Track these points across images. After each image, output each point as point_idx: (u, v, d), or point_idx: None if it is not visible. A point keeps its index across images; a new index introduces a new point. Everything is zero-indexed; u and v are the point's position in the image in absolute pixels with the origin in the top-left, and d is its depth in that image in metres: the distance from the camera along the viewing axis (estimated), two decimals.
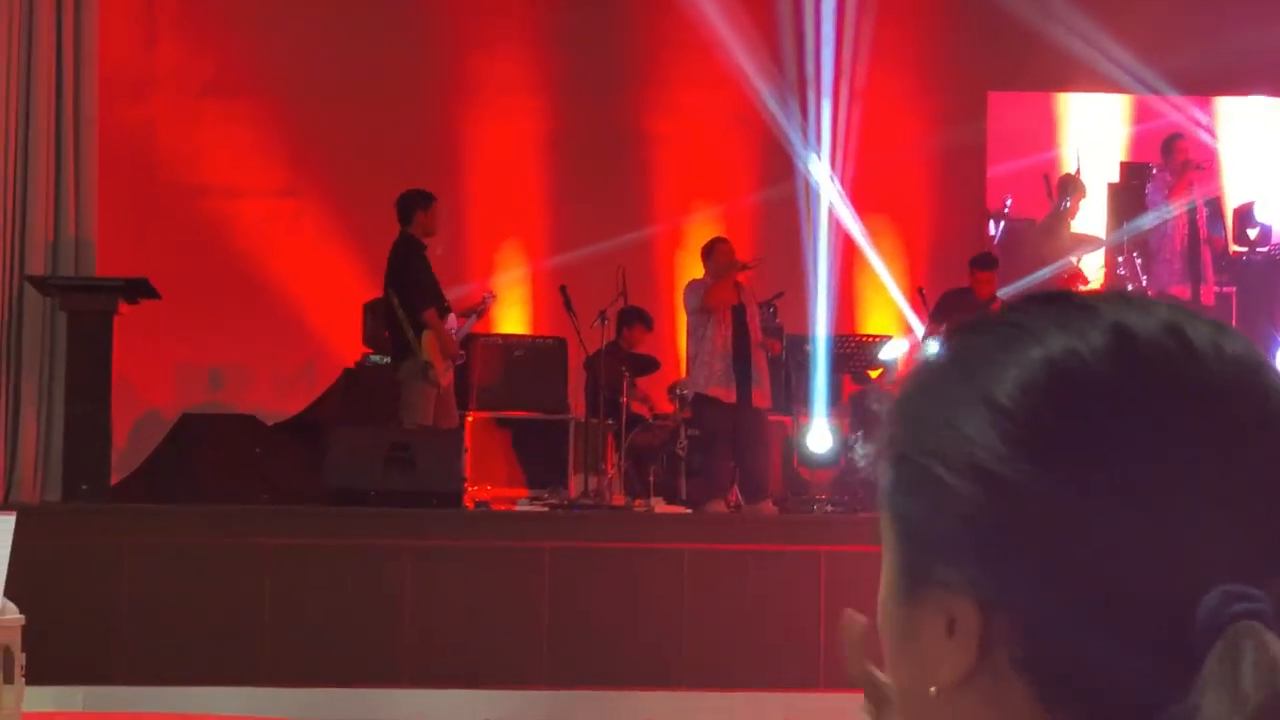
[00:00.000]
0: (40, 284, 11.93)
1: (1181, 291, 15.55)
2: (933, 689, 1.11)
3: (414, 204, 12.78)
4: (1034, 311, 1.12)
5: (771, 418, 13.35)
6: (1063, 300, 1.12)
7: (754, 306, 13.09)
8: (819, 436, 13.52)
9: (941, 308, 13.54)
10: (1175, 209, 15.36)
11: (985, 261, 13.83)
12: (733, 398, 12.65)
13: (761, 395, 12.85)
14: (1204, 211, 15.49)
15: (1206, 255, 15.57)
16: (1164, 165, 15.51)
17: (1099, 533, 1.04)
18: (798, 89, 15.41)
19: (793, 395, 13.99)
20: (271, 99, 15.45)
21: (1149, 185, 15.67)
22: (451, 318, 12.94)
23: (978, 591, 1.08)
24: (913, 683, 1.13)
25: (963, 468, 1.08)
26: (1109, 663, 1.04)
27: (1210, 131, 16.11)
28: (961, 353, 1.13)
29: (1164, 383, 1.07)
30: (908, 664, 1.14)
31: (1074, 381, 1.08)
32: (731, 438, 12.73)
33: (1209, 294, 15.63)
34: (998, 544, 1.07)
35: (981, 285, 13.52)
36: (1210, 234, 15.59)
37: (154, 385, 14.98)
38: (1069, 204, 15.84)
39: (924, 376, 1.16)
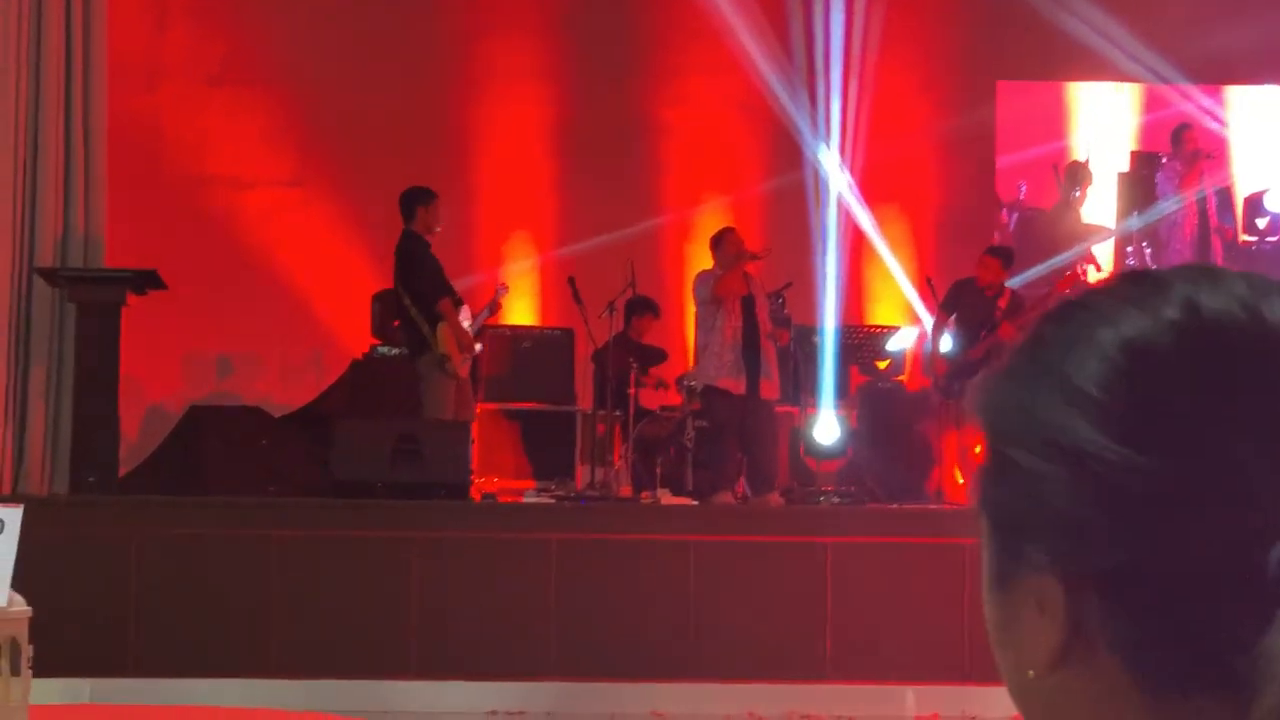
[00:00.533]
0: (49, 275, 11.93)
1: None
2: (1030, 672, 1.14)
3: (415, 201, 12.79)
4: (1109, 292, 1.16)
5: (779, 409, 13.33)
6: (1138, 278, 1.15)
7: (763, 297, 13.05)
8: (826, 427, 13.50)
9: (949, 298, 13.50)
10: (1185, 198, 15.35)
11: (994, 250, 13.76)
12: (742, 389, 12.60)
13: (770, 386, 12.81)
14: (1214, 201, 15.48)
15: (1217, 244, 15.56)
16: (1174, 154, 15.49)
17: (1175, 505, 1.07)
18: (806, 78, 15.40)
19: (800, 386, 13.95)
20: (280, 88, 15.45)
21: (1159, 174, 15.66)
22: (466, 310, 12.94)
23: (1063, 568, 1.11)
24: (1014, 669, 1.16)
25: (1044, 452, 1.11)
26: (1196, 622, 1.07)
27: (1220, 120, 16.07)
28: (1040, 338, 1.16)
29: (1234, 355, 1.09)
30: (1009, 651, 1.17)
31: (1146, 360, 1.11)
32: (740, 429, 12.70)
33: None
34: (1077, 520, 1.10)
35: (985, 271, 13.41)
36: (1220, 223, 15.58)
37: (161, 376, 14.99)
38: (1078, 193, 15.84)
39: (1007, 365, 1.20)
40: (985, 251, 13.69)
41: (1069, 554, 1.11)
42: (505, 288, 13.77)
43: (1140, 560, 1.08)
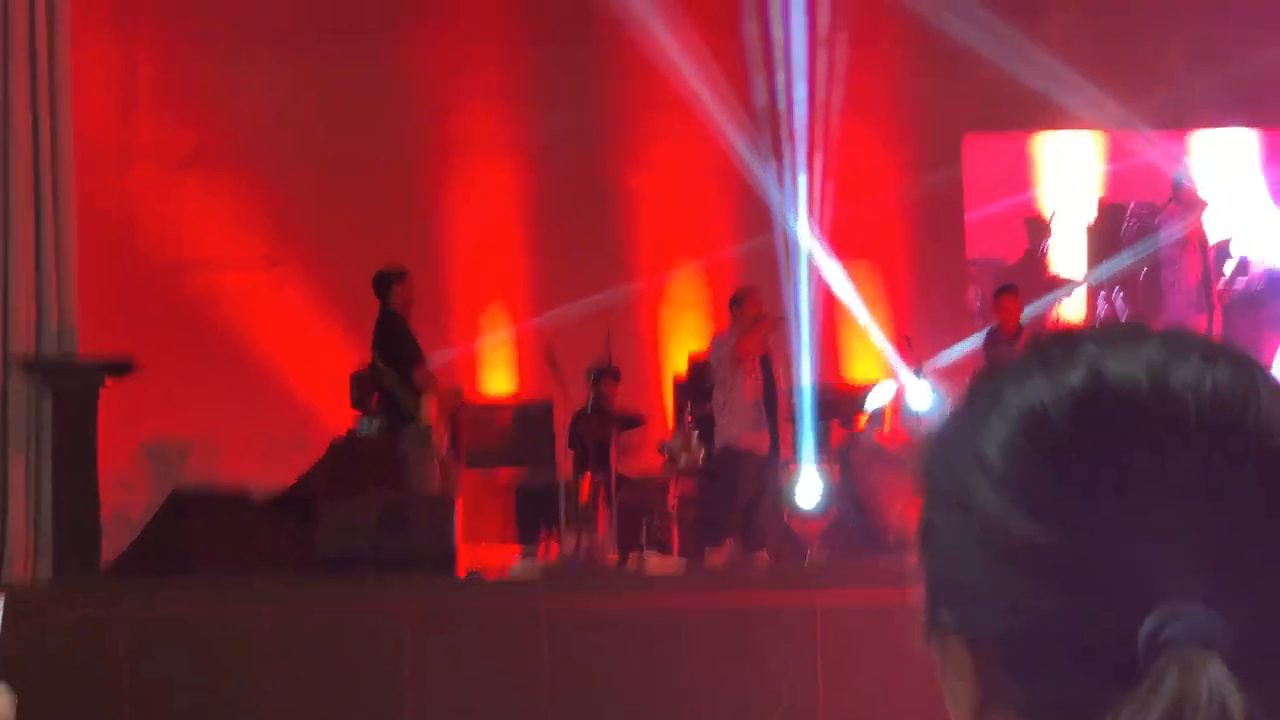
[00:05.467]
0: (25, 366, 11.91)
1: (1199, 323, 15.64)
2: None
3: (388, 281, 12.98)
4: (1027, 354, 1.16)
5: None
6: (1055, 341, 1.16)
7: (779, 357, 13.20)
8: (810, 486, 13.51)
9: (984, 351, 13.65)
10: (1173, 244, 15.47)
11: (1005, 289, 13.85)
12: (765, 446, 12.72)
13: (784, 444, 12.99)
14: (1211, 249, 15.60)
15: (1217, 293, 15.68)
16: (1172, 200, 15.57)
17: (1061, 573, 1.08)
18: (773, 139, 15.46)
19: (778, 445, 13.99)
20: (251, 169, 15.48)
21: (1145, 222, 15.77)
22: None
23: (966, 631, 1.13)
24: None
25: (953, 513, 1.13)
26: (1073, 692, 1.08)
27: (1184, 165, 16.18)
28: (965, 401, 1.18)
29: (1128, 425, 1.09)
30: (949, 703, 1.18)
31: (1043, 427, 1.11)
32: (748, 489, 12.77)
33: (1220, 325, 15.73)
34: (975, 583, 1.11)
35: (1005, 314, 13.56)
36: (1218, 271, 15.72)
37: (140, 460, 14.94)
38: (1043, 245, 15.95)
39: (938, 427, 1.21)
40: (997, 294, 13.82)
41: (968, 618, 1.12)
42: (460, 390, 13.81)
43: (1028, 626, 1.09)
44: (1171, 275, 15.68)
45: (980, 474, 1.12)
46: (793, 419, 13.36)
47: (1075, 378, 1.12)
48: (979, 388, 1.17)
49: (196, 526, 12.68)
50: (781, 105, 15.40)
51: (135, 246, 15.29)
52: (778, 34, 15.31)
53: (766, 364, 12.88)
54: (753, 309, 12.92)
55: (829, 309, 15.41)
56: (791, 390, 14.11)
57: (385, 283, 12.93)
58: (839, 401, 14.42)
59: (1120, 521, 1.07)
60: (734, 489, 12.72)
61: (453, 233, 15.74)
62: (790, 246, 15.35)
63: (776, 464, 12.82)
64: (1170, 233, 15.58)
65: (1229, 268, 16.08)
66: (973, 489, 1.12)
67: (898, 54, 15.62)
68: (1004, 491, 1.10)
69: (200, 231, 15.49)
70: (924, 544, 1.17)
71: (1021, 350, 1.18)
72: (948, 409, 1.20)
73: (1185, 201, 15.61)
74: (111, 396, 12.00)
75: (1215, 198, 15.97)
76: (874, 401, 14.62)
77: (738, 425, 12.68)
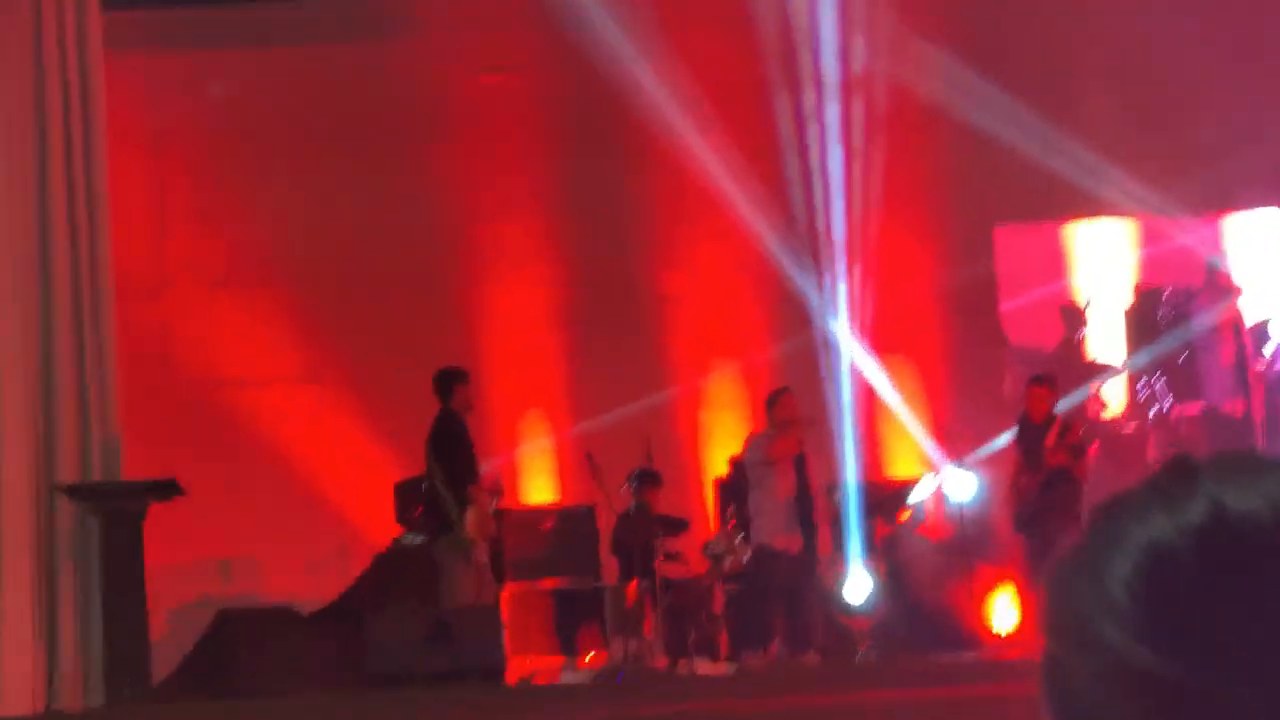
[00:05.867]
0: (71, 492, 11.95)
1: (1233, 408, 15.60)
2: None
3: (452, 380, 12.96)
4: (1147, 488, 1.16)
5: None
6: (1173, 473, 1.15)
7: (813, 458, 13.22)
8: (858, 584, 13.46)
9: (1016, 441, 13.62)
10: (1210, 327, 15.48)
11: (1037, 379, 13.82)
12: (797, 547, 12.72)
13: (822, 544, 12.98)
14: (1245, 330, 15.61)
15: (1256, 375, 15.66)
16: (1201, 286, 15.59)
17: (1186, 710, 1.07)
18: (806, 238, 15.50)
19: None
20: (285, 285, 15.56)
21: (1182, 306, 15.78)
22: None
23: None
24: None
25: (1080, 648, 1.12)
26: None
27: (1218, 250, 16.18)
28: (1087, 534, 1.17)
29: (1253, 562, 1.09)
30: None
31: (1167, 564, 1.11)
32: (787, 589, 12.76)
33: (1258, 409, 15.68)
34: (1101, 717, 1.11)
35: (1034, 402, 13.53)
36: (1256, 353, 15.71)
37: (186, 579, 14.93)
38: (1079, 333, 15.96)
39: (1059, 566, 1.21)
40: (1029, 382, 13.80)
41: None
42: (499, 481, 13.80)
43: None
44: (1208, 360, 15.67)
45: (1103, 610, 1.11)
46: (831, 519, 13.34)
47: (1196, 512, 1.11)
48: (1099, 522, 1.17)
49: (244, 645, 12.70)
50: (816, 203, 15.44)
51: (173, 367, 15.34)
52: (811, 132, 15.37)
53: (801, 465, 12.93)
54: (786, 411, 12.98)
55: (868, 405, 15.39)
56: (829, 489, 14.10)
57: (448, 381, 12.95)
58: (882, 498, 14.38)
59: (1246, 656, 1.07)
60: (769, 590, 12.72)
61: (489, 342, 15.77)
62: (828, 344, 15.35)
63: (814, 564, 12.80)
64: (1205, 318, 15.59)
65: (1269, 349, 16.03)
66: (1096, 625, 1.11)
67: (928, 148, 15.67)
68: (1128, 628, 1.10)
69: (237, 349, 15.55)
70: (1048, 679, 1.17)
71: (1144, 484, 1.18)
72: (1070, 546, 1.20)
73: (1219, 286, 15.63)
74: (153, 516, 12.03)
75: (1250, 281, 15.97)
76: (916, 496, 14.59)
77: (772, 526, 12.71)
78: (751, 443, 13.14)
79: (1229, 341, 15.66)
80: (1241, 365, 15.67)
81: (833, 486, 14.20)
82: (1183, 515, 1.12)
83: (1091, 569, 1.14)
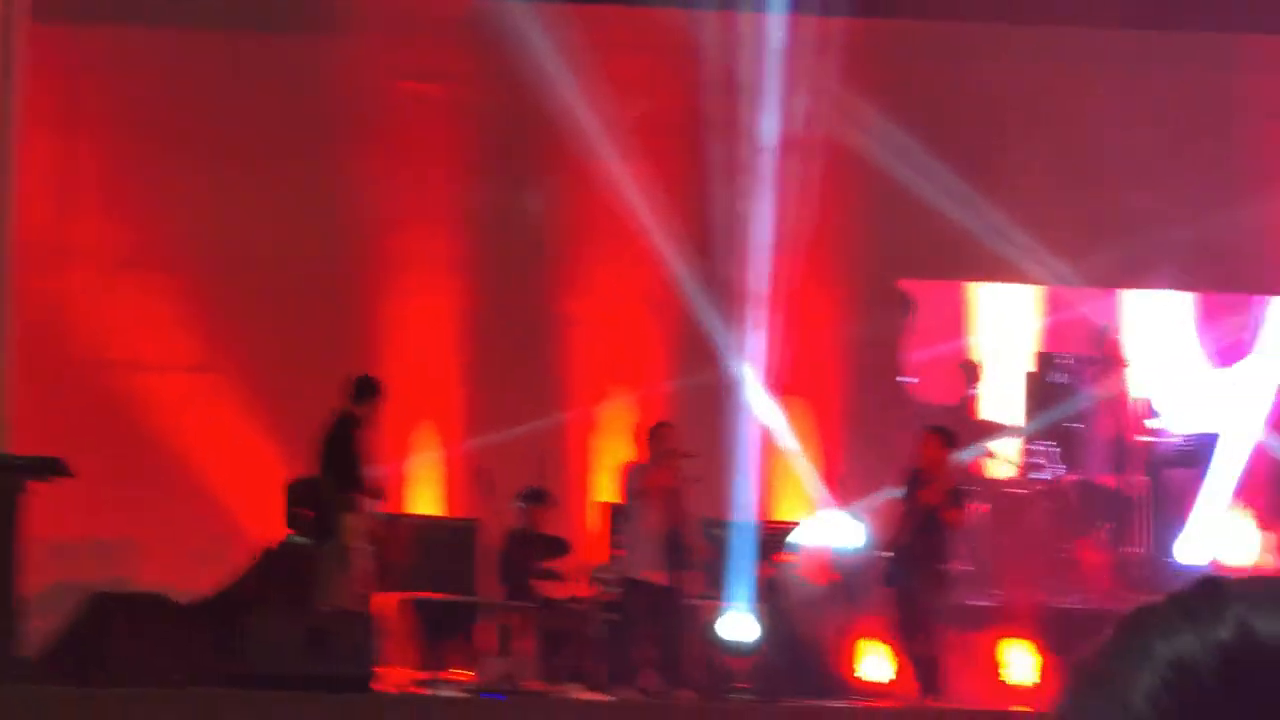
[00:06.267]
0: None
1: (1106, 480, 15.76)
2: None
3: (372, 390, 12.88)
4: (1173, 603, 1.16)
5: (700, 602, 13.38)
6: (1203, 591, 1.16)
7: (689, 492, 13.17)
8: (739, 623, 13.46)
9: (905, 491, 13.61)
10: (1101, 399, 15.63)
11: (933, 428, 13.79)
12: (665, 580, 12.67)
13: (695, 580, 12.91)
14: (1126, 403, 15.77)
15: (1132, 445, 15.82)
16: (1094, 357, 15.76)
17: None
18: (713, 272, 15.52)
19: (706, 580, 13.94)
20: (189, 275, 15.41)
21: (1066, 376, 15.93)
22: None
23: None
24: None
25: None
26: None
27: (1115, 324, 16.38)
28: (1111, 644, 1.17)
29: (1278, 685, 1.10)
30: None
31: (1191, 681, 1.11)
32: (655, 623, 12.72)
33: (1131, 483, 15.83)
34: None
35: (923, 447, 13.51)
36: (1135, 424, 15.87)
37: (69, 561, 14.73)
38: (974, 390, 16.09)
39: (1081, 675, 1.20)
40: (923, 430, 13.81)
41: None
42: (380, 490, 13.67)
43: None
44: (1088, 432, 15.83)
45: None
46: (713, 556, 13.29)
47: (1224, 633, 1.12)
48: (1121, 636, 1.17)
49: (119, 630, 12.52)
50: (728, 242, 15.46)
51: (68, 345, 15.16)
52: (724, 167, 15.41)
53: (676, 499, 12.89)
54: (665, 443, 12.96)
55: (762, 446, 15.41)
56: (715, 526, 14.08)
57: (367, 390, 12.85)
58: (767, 538, 14.39)
59: None
60: (637, 622, 12.68)
61: (389, 349, 15.68)
62: (727, 381, 15.37)
63: (682, 599, 12.76)
64: (1089, 389, 15.74)
65: (1157, 425, 16.23)
66: None
67: (844, 198, 15.75)
68: None
69: (134, 333, 15.38)
70: None
71: (1171, 599, 1.18)
72: (1090, 656, 1.19)
73: (1107, 357, 15.78)
74: (33, 492, 11.85)
75: (1141, 357, 16.15)
76: (801, 539, 14.61)
77: (643, 559, 12.68)
78: (629, 473, 13.10)
79: (1109, 416, 15.82)
80: (1120, 441, 15.83)
81: (718, 524, 14.20)
82: (1211, 634, 1.12)
83: (1114, 682, 1.14)
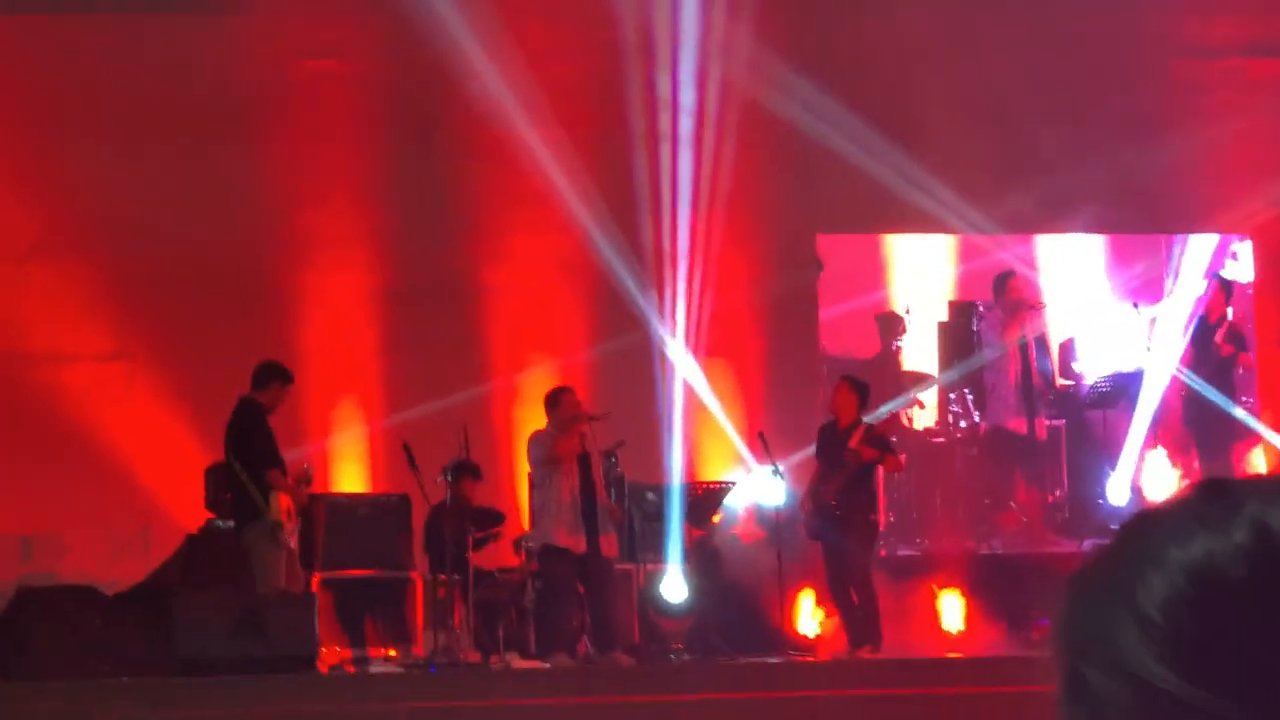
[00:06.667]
0: None
1: (1017, 426, 15.86)
2: None
3: (275, 375, 12.74)
4: (1183, 507, 1.12)
5: (619, 566, 13.34)
6: (1213, 492, 1.12)
7: (597, 455, 13.12)
8: (673, 585, 13.48)
9: (818, 443, 13.61)
10: (1008, 345, 15.70)
11: (848, 378, 13.77)
12: (582, 547, 12.61)
13: (610, 543, 12.84)
14: (1034, 348, 15.85)
15: (1040, 390, 15.91)
16: (996, 302, 15.83)
17: None
18: (630, 237, 15.51)
19: (638, 544, 13.96)
20: (98, 261, 15.23)
21: (981, 323, 16.00)
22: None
23: None
24: None
25: (1112, 674, 1.09)
26: None
27: (1034, 268, 16.47)
28: (1117, 553, 1.13)
29: None
30: None
31: (1210, 588, 1.08)
32: (579, 588, 12.68)
33: (1042, 428, 15.95)
34: None
35: (836, 396, 13.51)
36: (1039, 369, 15.94)
37: None
38: (896, 343, 16.14)
39: (1085, 577, 1.16)
40: (838, 381, 13.83)
41: None
42: (310, 467, 13.57)
43: None
44: (993, 378, 15.91)
45: (1137, 632, 1.08)
46: (619, 518, 13.27)
47: (1240, 535, 1.08)
48: (1128, 542, 1.14)
49: (44, 624, 12.39)
50: (642, 200, 15.45)
51: None
52: (639, 130, 15.39)
53: (585, 463, 12.86)
54: (568, 409, 12.92)
55: (685, 405, 15.43)
56: (647, 491, 14.09)
57: (269, 375, 12.71)
58: (695, 499, 14.42)
59: None
60: (559, 589, 12.64)
61: (305, 328, 15.56)
62: (648, 343, 15.38)
63: (602, 563, 12.73)
64: (991, 335, 15.82)
65: (1078, 368, 16.35)
66: (1129, 647, 1.08)
67: (757, 154, 15.75)
68: (1166, 653, 1.07)
69: (46, 324, 15.19)
70: (1071, 699, 1.13)
71: (1177, 504, 1.14)
72: (1090, 564, 1.16)
73: (1005, 305, 15.85)
74: None
75: (1058, 300, 16.25)
76: (729, 499, 14.64)
77: (557, 525, 12.64)
78: (533, 441, 13.04)
79: (1014, 361, 15.91)
80: (1027, 385, 15.92)
81: (648, 486, 14.20)
82: (1227, 537, 1.08)
83: (1123, 590, 1.10)
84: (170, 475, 14.71)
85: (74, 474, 14.61)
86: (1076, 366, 16.31)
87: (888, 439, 13.52)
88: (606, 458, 13.78)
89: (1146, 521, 1.13)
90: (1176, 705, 1.05)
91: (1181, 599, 1.08)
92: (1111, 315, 16.37)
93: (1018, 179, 15.63)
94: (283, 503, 12.38)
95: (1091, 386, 16.13)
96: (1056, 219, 16.13)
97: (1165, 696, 1.06)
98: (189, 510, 14.15)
